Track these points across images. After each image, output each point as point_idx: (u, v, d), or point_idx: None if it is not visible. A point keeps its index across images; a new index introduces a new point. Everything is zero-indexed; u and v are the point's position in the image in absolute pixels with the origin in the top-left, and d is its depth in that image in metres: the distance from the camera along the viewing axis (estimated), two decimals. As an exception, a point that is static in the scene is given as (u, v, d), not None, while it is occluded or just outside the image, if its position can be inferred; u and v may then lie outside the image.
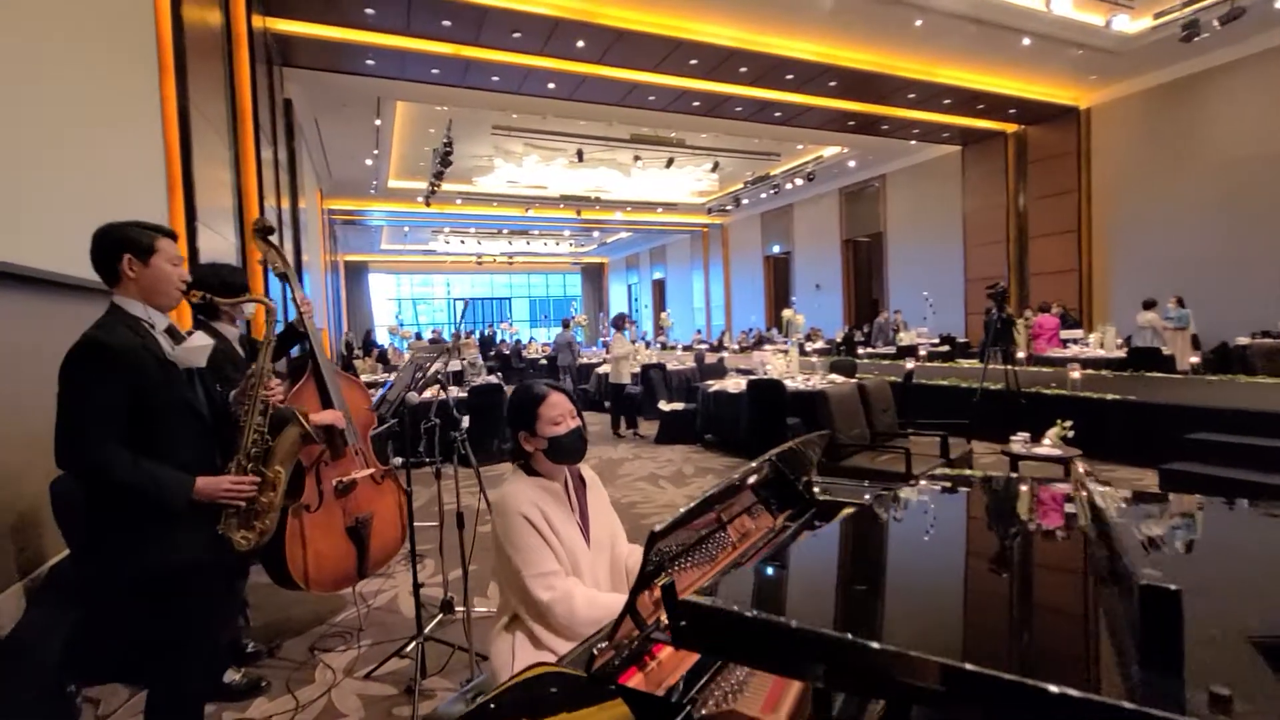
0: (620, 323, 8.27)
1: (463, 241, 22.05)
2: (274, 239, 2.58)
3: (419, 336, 17.83)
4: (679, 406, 7.82)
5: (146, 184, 3.44)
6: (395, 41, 7.56)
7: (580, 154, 12.08)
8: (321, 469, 2.60)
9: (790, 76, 9.18)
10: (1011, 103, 10.62)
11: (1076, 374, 6.14)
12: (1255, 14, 7.50)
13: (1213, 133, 9.46)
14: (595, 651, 0.90)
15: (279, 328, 2.17)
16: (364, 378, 8.39)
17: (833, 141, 12.81)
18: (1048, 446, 4.43)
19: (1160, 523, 1.20)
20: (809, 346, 11.78)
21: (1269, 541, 1.07)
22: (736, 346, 14.60)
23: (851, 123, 11.14)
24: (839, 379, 6.69)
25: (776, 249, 18.54)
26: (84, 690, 2.31)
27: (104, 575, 1.66)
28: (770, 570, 1.11)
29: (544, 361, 14.25)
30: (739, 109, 10.26)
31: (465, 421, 2.71)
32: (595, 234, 22.77)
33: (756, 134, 11.83)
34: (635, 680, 0.97)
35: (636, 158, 12.94)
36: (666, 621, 0.88)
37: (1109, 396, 5.92)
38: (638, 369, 8.73)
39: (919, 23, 7.81)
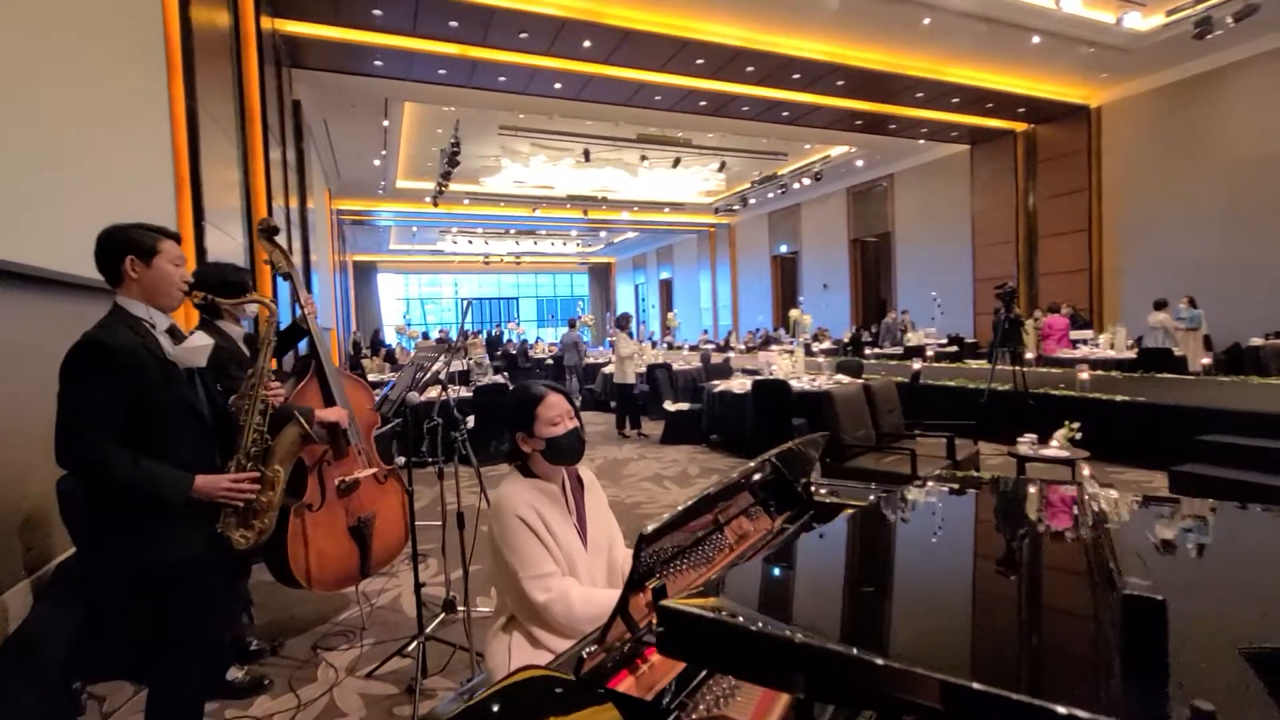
0: (624, 323, 8.26)
1: (470, 242, 22.14)
2: (281, 239, 2.60)
3: (426, 336, 17.89)
4: (684, 407, 7.80)
5: (154, 184, 3.47)
6: (403, 42, 7.59)
7: (587, 154, 12.08)
8: (324, 468, 2.61)
9: (797, 76, 9.15)
10: (1021, 101, 10.54)
11: (1085, 375, 6.08)
12: (1269, 11, 7.39)
13: (1226, 131, 9.35)
14: (585, 654, 0.89)
15: (283, 326, 2.18)
16: (371, 377, 8.44)
17: (840, 141, 12.76)
18: (1055, 448, 4.39)
19: (1164, 527, 1.18)
20: (816, 347, 11.75)
21: (1271, 546, 1.05)
22: (743, 347, 14.56)
23: (859, 122, 11.08)
24: (845, 379, 6.66)
25: (784, 249, 18.48)
26: (89, 687, 2.33)
27: (104, 572, 1.68)
28: (763, 574, 1.10)
29: (550, 361, 14.25)
30: (746, 108, 10.24)
31: (470, 421, 2.71)
32: (602, 234, 22.79)
33: (763, 134, 11.80)
34: (626, 684, 0.96)
35: (643, 157, 12.93)
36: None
37: (1118, 398, 5.87)
38: (643, 369, 8.72)
39: (927, 21, 7.76)
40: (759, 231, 19.28)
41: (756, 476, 1.46)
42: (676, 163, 13.08)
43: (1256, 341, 8.23)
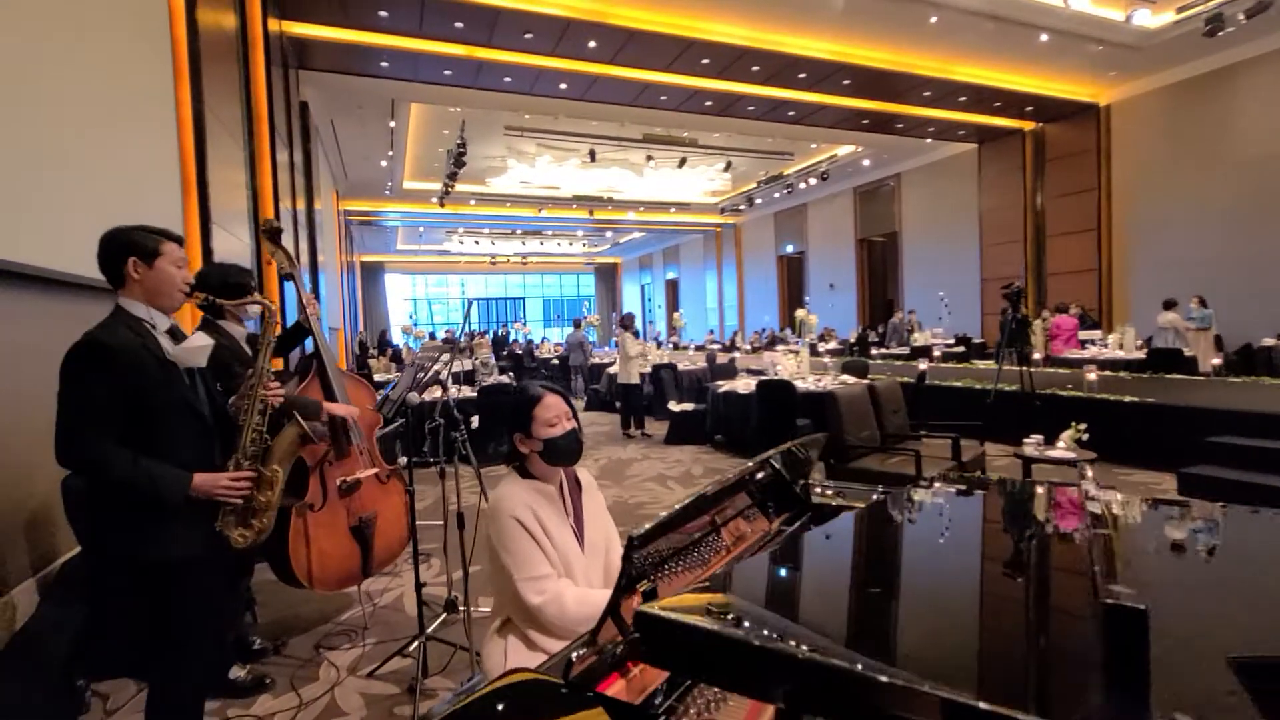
0: (628, 323, 8.25)
1: (477, 242, 22.19)
2: (287, 241, 2.61)
3: (432, 336, 17.96)
4: (689, 407, 7.79)
5: (161, 186, 3.49)
6: (408, 43, 7.62)
7: (593, 154, 12.09)
8: (326, 468, 2.62)
9: (803, 75, 9.12)
10: (1029, 100, 10.45)
11: (1093, 375, 6.03)
12: (1282, 7, 7.31)
13: (1237, 129, 9.24)
14: (574, 657, 0.89)
15: (287, 324, 2.19)
16: (378, 377, 8.48)
17: (847, 140, 12.70)
18: (1062, 449, 4.35)
19: (1169, 529, 1.16)
20: (823, 347, 11.70)
21: (1273, 546, 1.03)
22: (749, 347, 14.53)
23: (866, 121, 11.03)
24: (850, 380, 6.63)
25: (790, 249, 18.42)
26: (93, 685, 2.35)
27: (105, 570, 1.69)
28: (760, 575, 1.09)
29: (556, 361, 14.27)
30: (752, 108, 10.21)
31: (475, 421, 2.72)
32: (608, 234, 22.79)
33: (769, 133, 11.76)
34: (617, 687, 0.96)
35: (649, 158, 12.92)
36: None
37: (1126, 398, 5.81)
38: (648, 369, 8.71)
39: (934, 19, 7.71)
40: (765, 231, 19.23)
41: (753, 477, 1.45)
42: (682, 163, 13.07)
43: (1268, 342, 8.13)
